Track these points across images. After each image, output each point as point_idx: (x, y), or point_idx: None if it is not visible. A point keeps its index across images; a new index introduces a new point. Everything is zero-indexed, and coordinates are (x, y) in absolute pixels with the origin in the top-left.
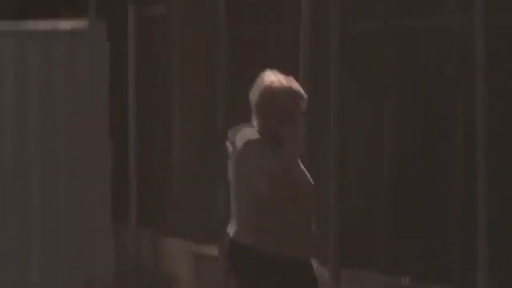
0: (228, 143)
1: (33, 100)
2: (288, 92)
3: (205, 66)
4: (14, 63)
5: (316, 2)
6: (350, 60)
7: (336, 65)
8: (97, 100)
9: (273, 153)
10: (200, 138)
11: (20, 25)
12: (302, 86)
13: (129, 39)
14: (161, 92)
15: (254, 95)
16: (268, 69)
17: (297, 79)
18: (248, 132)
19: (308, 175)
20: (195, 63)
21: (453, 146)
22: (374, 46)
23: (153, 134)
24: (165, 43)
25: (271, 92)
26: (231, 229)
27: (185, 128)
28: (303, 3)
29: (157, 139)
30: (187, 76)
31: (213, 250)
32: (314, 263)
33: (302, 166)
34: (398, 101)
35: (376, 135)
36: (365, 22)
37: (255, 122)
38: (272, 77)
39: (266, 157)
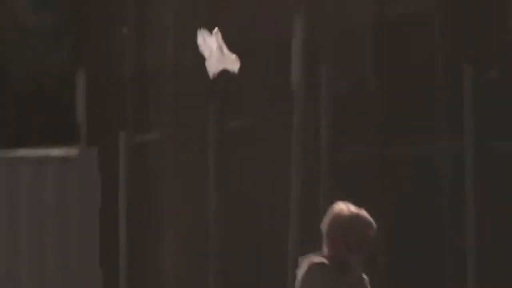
0: (297, 271)
1: (24, 225)
2: (356, 220)
3: (197, 194)
4: (6, 189)
5: (305, 130)
6: (339, 185)
7: (326, 190)
8: (88, 226)
9: (339, 280)
10: (192, 265)
11: (12, 152)
12: (293, 210)
13: (120, 166)
14: (152, 219)
15: (324, 223)
16: (338, 202)
17: (287, 203)
18: (315, 258)
19: None
20: (186, 190)
21: (443, 272)
22: (365, 172)
23: (144, 262)
24: (156, 169)
25: (340, 220)
26: None
27: (176, 254)
28: (294, 132)
29: (148, 267)
30: (179, 203)
31: None
32: None
33: None
34: (389, 228)
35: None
36: (355, 149)
37: (324, 249)
38: (342, 206)
39: (331, 283)
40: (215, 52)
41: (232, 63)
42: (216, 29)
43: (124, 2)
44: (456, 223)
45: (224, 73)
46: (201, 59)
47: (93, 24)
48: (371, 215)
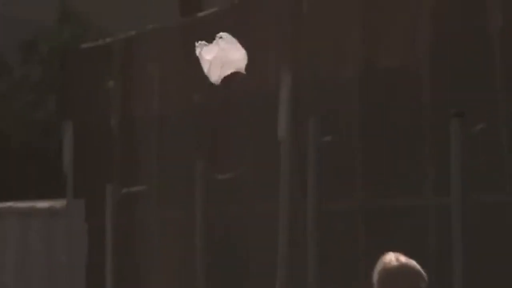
0: None
1: (10, 277)
2: (405, 271)
3: (184, 246)
4: None
5: (292, 182)
6: (326, 237)
7: (313, 242)
8: (75, 278)
9: None
10: None
11: None
12: (281, 262)
13: (106, 218)
14: (138, 271)
15: (374, 274)
16: (390, 252)
17: (275, 255)
18: None
19: None
20: (173, 242)
21: None
22: (351, 224)
23: None
24: (143, 221)
25: (388, 271)
26: None
27: None
28: (281, 184)
29: None
30: (166, 255)
31: None
32: None
33: None
34: None
35: None
36: (341, 201)
37: None
38: (391, 256)
39: None
40: (214, 59)
41: (239, 62)
42: (221, 34)
43: (109, 54)
44: (443, 275)
45: (230, 76)
46: (187, 110)
47: (79, 76)
48: (358, 268)
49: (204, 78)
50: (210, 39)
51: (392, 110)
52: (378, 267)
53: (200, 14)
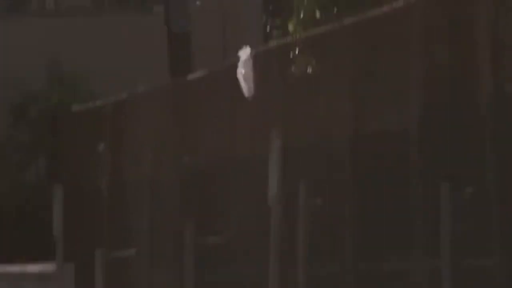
0: None
1: None
2: None
3: None
4: None
5: (282, 246)
6: None
7: None
8: None
9: None
10: None
11: None
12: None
13: (96, 282)
14: None
15: None
16: None
17: None
18: None
19: None
20: None
21: None
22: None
23: None
24: (133, 285)
25: None
26: None
27: None
28: (271, 247)
29: None
30: None
31: None
32: None
33: None
34: None
35: None
36: (331, 264)
37: None
38: None
39: None
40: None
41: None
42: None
43: (100, 116)
44: None
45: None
46: (177, 173)
47: (70, 139)
48: None
49: (194, 141)
50: (200, 101)
51: (382, 173)
52: None
53: (190, 76)
